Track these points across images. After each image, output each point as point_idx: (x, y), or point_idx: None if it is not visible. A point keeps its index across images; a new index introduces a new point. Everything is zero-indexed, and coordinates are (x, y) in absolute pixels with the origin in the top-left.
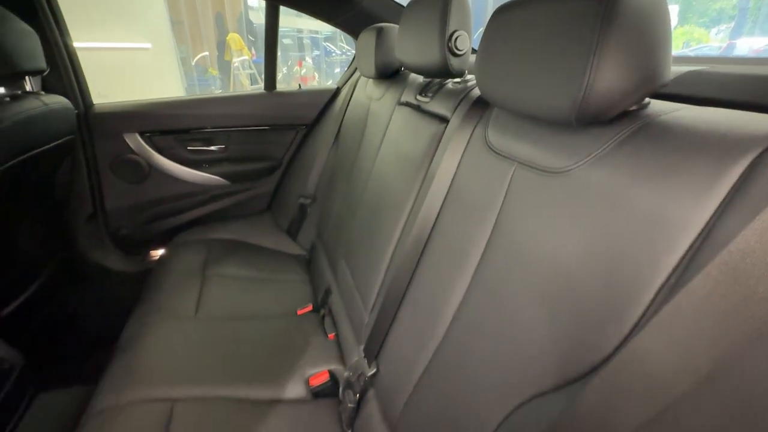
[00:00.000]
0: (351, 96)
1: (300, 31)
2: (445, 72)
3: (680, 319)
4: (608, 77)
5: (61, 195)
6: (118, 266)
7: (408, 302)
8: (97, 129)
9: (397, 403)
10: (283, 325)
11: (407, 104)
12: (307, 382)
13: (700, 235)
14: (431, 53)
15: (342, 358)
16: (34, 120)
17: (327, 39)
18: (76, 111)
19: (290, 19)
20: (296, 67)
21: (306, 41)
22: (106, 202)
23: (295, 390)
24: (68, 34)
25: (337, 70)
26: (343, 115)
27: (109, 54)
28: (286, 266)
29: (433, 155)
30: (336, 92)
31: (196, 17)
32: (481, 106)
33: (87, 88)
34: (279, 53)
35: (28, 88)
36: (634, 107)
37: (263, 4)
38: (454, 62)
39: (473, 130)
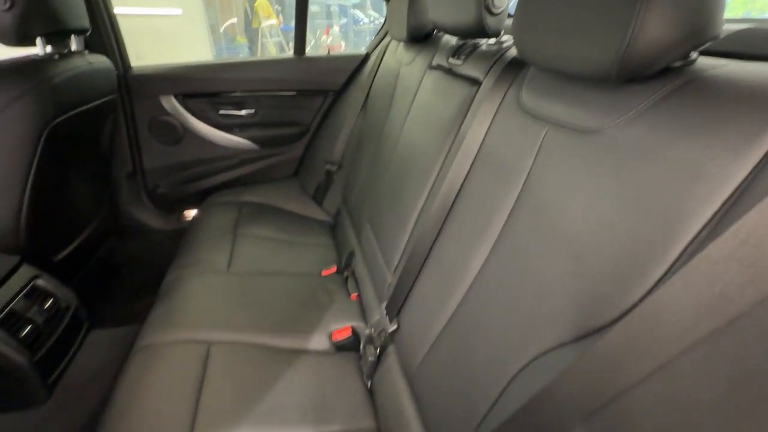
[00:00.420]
0: (380, 61)
1: None
2: (480, 31)
3: (708, 269)
4: (655, 27)
5: (105, 152)
6: (157, 223)
7: (431, 262)
8: (135, 90)
9: (416, 357)
10: (308, 284)
11: (438, 67)
12: (330, 336)
13: (738, 188)
14: (467, 11)
15: (364, 317)
16: (81, 78)
17: (355, 6)
18: (116, 72)
19: None
20: (323, 36)
21: (334, 8)
22: (145, 161)
23: (319, 343)
24: None
25: (367, 38)
26: (372, 81)
27: (141, 20)
28: (312, 231)
29: (464, 119)
30: (365, 58)
31: None
32: (515, 68)
33: (125, 50)
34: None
35: (73, 48)
36: (679, 63)
37: None
38: (490, 21)
39: (506, 92)
